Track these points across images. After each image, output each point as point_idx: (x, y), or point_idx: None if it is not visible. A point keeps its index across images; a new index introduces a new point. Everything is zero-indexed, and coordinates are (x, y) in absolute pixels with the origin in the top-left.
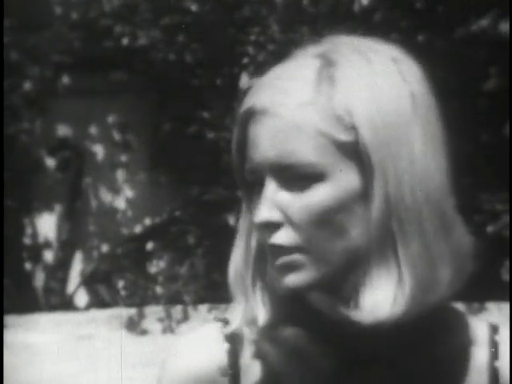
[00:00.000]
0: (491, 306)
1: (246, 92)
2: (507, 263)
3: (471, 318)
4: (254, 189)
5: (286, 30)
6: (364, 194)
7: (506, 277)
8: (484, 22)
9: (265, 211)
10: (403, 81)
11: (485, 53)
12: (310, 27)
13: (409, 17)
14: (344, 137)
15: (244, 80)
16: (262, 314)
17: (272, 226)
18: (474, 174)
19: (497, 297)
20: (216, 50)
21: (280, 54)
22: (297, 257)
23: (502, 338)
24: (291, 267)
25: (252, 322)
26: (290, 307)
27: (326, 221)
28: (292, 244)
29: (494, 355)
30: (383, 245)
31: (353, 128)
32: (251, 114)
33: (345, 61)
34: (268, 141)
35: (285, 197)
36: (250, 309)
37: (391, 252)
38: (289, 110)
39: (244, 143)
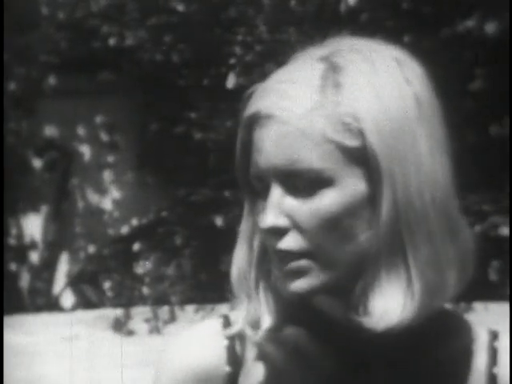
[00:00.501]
0: (478, 306)
1: (249, 96)
2: (495, 263)
3: (471, 323)
4: (258, 192)
5: (273, 30)
6: (371, 199)
7: (493, 277)
8: (470, 23)
9: (271, 217)
10: (407, 83)
11: (471, 53)
12: (297, 27)
13: (395, 17)
14: (351, 142)
15: (231, 80)
16: (267, 316)
17: (279, 232)
18: (460, 175)
19: (484, 297)
20: (203, 51)
21: (267, 54)
22: (304, 262)
23: (502, 344)
24: (298, 272)
25: (255, 323)
26: (295, 309)
27: (334, 226)
28: (299, 249)
29: (493, 361)
30: (392, 250)
31: (360, 133)
32: (256, 119)
33: (349, 65)
34: (274, 146)
35: (291, 202)
36: (254, 310)
37: (400, 257)
38: (295, 116)
39: (249, 147)
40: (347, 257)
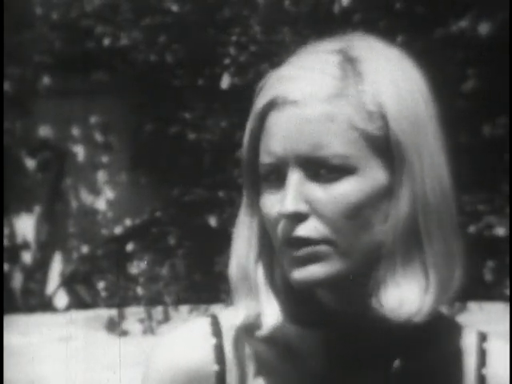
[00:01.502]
0: (473, 306)
1: (262, 85)
2: (490, 263)
3: (461, 324)
4: (269, 178)
5: (267, 30)
6: (390, 190)
7: (488, 277)
8: (463, 24)
9: (292, 202)
10: (413, 77)
11: (464, 54)
12: (291, 28)
13: (388, 18)
14: (376, 131)
15: (225, 80)
16: (268, 314)
17: (299, 218)
18: (455, 175)
19: (478, 297)
20: (197, 51)
21: (262, 54)
22: (322, 248)
23: (490, 345)
24: (314, 258)
25: (256, 318)
26: (296, 306)
27: (354, 214)
28: (318, 236)
29: (482, 362)
30: (408, 242)
31: (384, 123)
32: (274, 105)
33: (366, 58)
34: (296, 132)
35: (311, 188)
36: (255, 305)
37: (416, 249)
38: (319, 102)
39: (259, 136)
40: (363, 246)
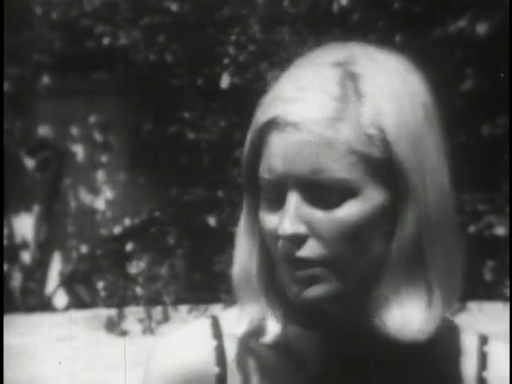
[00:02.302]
0: (472, 306)
1: (261, 102)
2: (490, 263)
3: (462, 327)
4: (268, 195)
5: (266, 30)
6: (393, 211)
7: (488, 276)
8: (461, 23)
9: (290, 224)
10: (416, 92)
11: (462, 54)
12: (290, 27)
13: (386, 17)
14: (376, 154)
15: (225, 80)
16: (273, 319)
17: (298, 239)
18: (455, 175)
19: (478, 296)
20: (197, 50)
21: (261, 53)
22: (319, 270)
23: (491, 348)
24: (313, 279)
25: (259, 323)
26: (300, 311)
27: (354, 236)
28: (317, 257)
29: (483, 365)
30: (412, 261)
31: (384, 145)
32: (273, 125)
33: (367, 74)
34: (296, 154)
35: (311, 210)
36: (258, 310)
37: (419, 268)
38: (319, 125)
39: (260, 151)
40: (362, 267)
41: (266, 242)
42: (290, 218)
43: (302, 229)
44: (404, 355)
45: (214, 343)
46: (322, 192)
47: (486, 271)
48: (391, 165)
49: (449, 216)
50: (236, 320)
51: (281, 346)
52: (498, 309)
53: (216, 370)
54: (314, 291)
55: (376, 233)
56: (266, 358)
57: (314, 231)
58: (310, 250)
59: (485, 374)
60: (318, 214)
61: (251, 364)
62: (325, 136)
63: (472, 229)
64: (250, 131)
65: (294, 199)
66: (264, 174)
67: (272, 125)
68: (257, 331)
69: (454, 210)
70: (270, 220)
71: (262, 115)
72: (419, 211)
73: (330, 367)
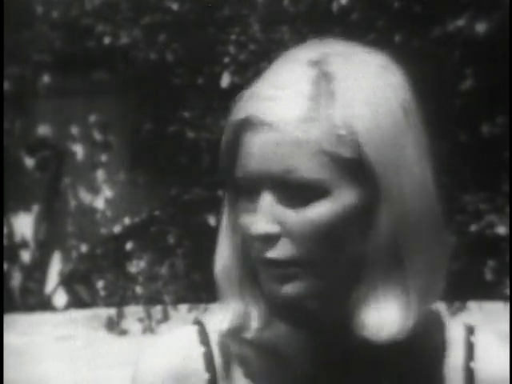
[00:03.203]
0: (472, 306)
1: (239, 99)
2: (491, 263)
3: (447, 318)
4: (244, 193)
5: (266, 29)
6: (365, 210)
7: (489, 276)
8: (460, 22)
9: (263, 224)
10: (394, 90)
11: (461, 53)
12: (290, 26)
13: (386, 17)
14: (346, 154)
15: (225, 79)
16: (254, 315)
17: (270, 239)
18: (455, 174)
19: (478, 296)
20: (197, 50)
21: (261, 53)
22: (292, 269)
23: (478, 338)
24: (286, 279)
25: (243, 321)
26: (283, 308)
27: (326, 236)
28: (289, 257)
29: (470, 356)
30: (389, 261)
31: (355, 145)
32: (247, 123)
33: (340, 73)
34: (268, 154)
35: (284, 210)
36: (240, 308)
37: (397, 269)
38: (291, 126)
39: (235, 149)
40: (340, 266)
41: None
42: (263, 217)
43: (274, 229)
44: (389, 351)
45: (202, 350)
46: (294, 192)
47: (487, 271)
48: (362, 165)
49: (431, 216)
50: (220, 319)
51: (268, 348)
52: (498, 309)
53: (206, 376)
54: (290, 289)
55: (350, 233)
56: (253, 360)
57: (286, 231)
58: (284, 250)
59: (472, 365)
60: (290, 214)
61: (239, 368)
62: (296, 136)
63: (473, 228)
64: (225, 130)
65: (267, 199)
66: (238, 173)
67: (246, 124)
68: (240, 328)
69: (439, 209)
70: (246, 220)
71: (236, 114)
72: (394, 211)
73: (316, 367)
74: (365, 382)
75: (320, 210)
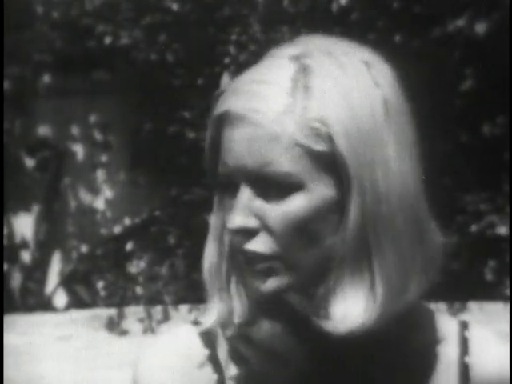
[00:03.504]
0: (473, 306)
1: (220, 94)
2: (491, 263)
3: (440, 314)
4: (227, 190)
5: (267, 29)
6: (340, 204)
7: (489, 277)
8: (460, 23)
9: (239, 217)
10: (375, 86)
11: (461, 53)
12: (290, 27)
13: (385, 17)
14: (320, 147)
15: (225, 80)
16: (238, 311)
17: (247, 233)
18: (456, 175)
19: (479, 296)
20: (197, 50)
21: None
22: (271, 263)
23: (472, 334)
24: (263, 273)
25: (228, 318)
26: (267, 303)
27: (302, 229)
28: (267, 251)
29: (464, 351)
30: (357, 254)
31: (328, 138)
32: (226, 118)
33: (319, 68)
34: (244, 148)
35: (260, 204)
36: (226, 305)
37: (365, 261)
38: (266, 119)
39: (217, 145)
40: (312, 260)
41: None
42: (239, 211)
43: (251, 222)
44: (384, 346)
45: (204, 350)
46: (270, 186)
47: (487, 271)
48: (334, 158)
49: (408, 210)
50: (207, 313)
51: (265, 347)
52: (498, 309)
53: (215, 377)
54: (267, 284)
55: (325, 226)
56: (250, 358)
57: (263, 225)
58: (260, 243)
59: (467, 360)
60: (267, 208)
61: (236, 365)
62: (271, 129)
63: (474, 228)
64: (208, 125)
65: (244, 193)
66: (220, 168)
67: (225, 119)
68: (224, 325)
69: (424, 208)
70: (225, 215)
71: (217, 109)
72: (365, 204)
73: (311, 364)
74: (357, 378)
75: (295, 203)
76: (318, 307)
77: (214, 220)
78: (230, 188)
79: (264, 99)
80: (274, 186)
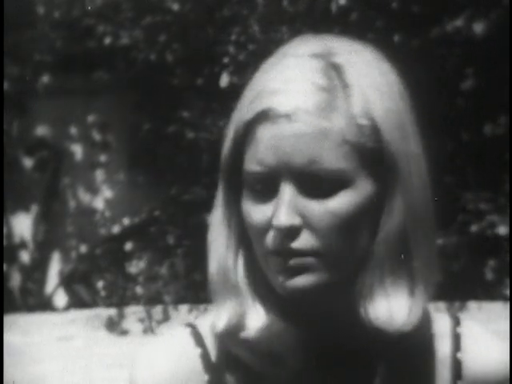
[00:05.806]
0: (472, 306)
1: (243, 96)
2: (491, 262)
3: (433, 310)
4: (257, 187)
5: (266, 29)
6: (381, 201)
7: (489, 276)
8: (458, 22)
9: (286, 216)
10: (392, 81)
11: (459, 53)
12: (289, 27)
13: (385, 17)
14: (369, 144)
15: (224, 79)
16: (255, 313)
17: (292, 231)
18: (457, 174)
19: (478, 296)
20: (196, 50)
21: (260, 53)
22: (310, 259)
23: (465, 329)
24: (302, 269)
25: (239, 321)
26: (282, 306)
27: (347, 226)
28: (309, 248)
29: (457, 347)
30: (398, 251)
31: (375, 134)
32: (265, 118)
33: (350, 66)
34: (290, 146)
35: (306, 202)
36: (237, 308)
37: (404, 260)
38: (313, 116)
39: (244, 143)
40: (351, 257)
41: (243, 234)
42: (286, 209)
43: (297, 220)
44: (379, 344)
45: (198, 350)
46: (316, 183)
47: (487, 271)
48: (382, 154)
49: (429, 204)
50: (214, 318)
51: (262, 347)
52: (498, 308)
53: (206, 377)
54: (302, 280)
55: (367, 224)
56: (249, 359)
57: (307, 222)
58: (304, 241)
59: (459, 355)
60: (311, 205)
61: (235, 368)
62: (319, 126)
63: (474, 228)
64: (233, 126)
65: (288, 191)
66: (251, 166)
67: (261, 118)
68: (237, 328)
69: (432, 199)
70: (257, 211)
71: (248, 109)
72: (406, 202)
73: (311, 365)
74: (354, 376)
75: (342, 200)
76: (359, 304)
77: (219, 218)
78: (261, 184)
79: (304, 96)
80: (320, 184)
